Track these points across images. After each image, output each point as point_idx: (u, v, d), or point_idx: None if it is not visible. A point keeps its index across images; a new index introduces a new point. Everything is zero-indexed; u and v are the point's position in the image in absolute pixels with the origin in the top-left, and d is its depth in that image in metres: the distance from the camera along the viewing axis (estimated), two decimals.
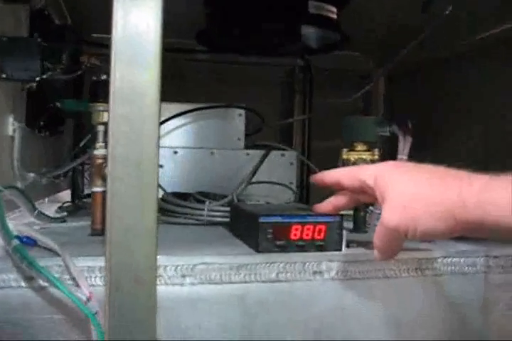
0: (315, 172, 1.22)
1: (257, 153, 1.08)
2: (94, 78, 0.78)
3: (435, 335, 0.73)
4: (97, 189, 0.78)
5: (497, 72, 1.09)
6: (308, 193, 1.33)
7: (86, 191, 1.15)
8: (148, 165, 0.56)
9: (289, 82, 1.43)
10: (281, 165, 1.11)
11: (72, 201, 1.18)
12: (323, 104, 1.37)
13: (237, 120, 1.11)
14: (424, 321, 0.73)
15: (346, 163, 0.93)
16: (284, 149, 1.13)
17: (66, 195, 1.27)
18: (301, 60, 1.35)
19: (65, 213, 0.92)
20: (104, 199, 0.79)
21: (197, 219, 0.90)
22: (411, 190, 0.55)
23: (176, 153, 1.06)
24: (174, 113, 1.07)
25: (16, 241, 0.59)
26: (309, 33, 1.01)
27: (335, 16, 0.96)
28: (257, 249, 0.68)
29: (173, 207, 0.91)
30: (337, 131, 1.34)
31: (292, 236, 0.69)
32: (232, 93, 1.35)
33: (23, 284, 0.62)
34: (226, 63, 1.36)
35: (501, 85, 1.08)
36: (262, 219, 0.68)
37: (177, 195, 0.97)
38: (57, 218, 0.88)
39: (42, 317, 0.62)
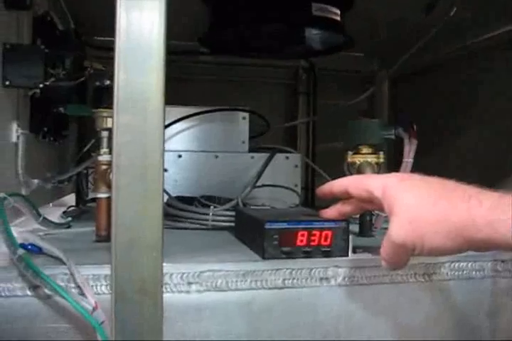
0: (320, 174, 1.22)
1: (261, 156, 1.08)
2: (98, 84, 0.78)
3: None
4: (102, 195, 0.78)
5: (502, 73, 1.08)
6: (313, 195, 1.33)
7: (90, 195, 1.15)
8: (153, 174, 0.56)
9: (292, 84, 1.43)
10: (285, 168, 1.10)
11: (77, 205, 1.18)
12: (327, 105, 1.36)
13: (241, 123, 1.10)
14: (431, 327, 0.72)
15: (351, 166, 0.93)
16: (288, 152, 1.12)
17: (70, 198, 1.27)
18: (305, 61, 1.35)
19: (70, 218, 0.92)
20: (108, 205, 0.79)
21: (202, 224, 0.89)
22: (418, 207, 0.55)
23: (180, 156, 1.06)
24: (178, 116, 1.06)
25: (21, 251, 0.59)
26: (313, 35, 1.01)
27: (339, 18, 0.95)
28: (263, 255, 0.68)
29: (178, 211, 0.91)
30: (341, 133, 1.33)
31: (298, 243, 0.69)
32: (235, 94, 1.35)
33: (28, 293, 0.61)
34: (229, 65, 1.35)
35: (506, 86, 1.08)
36: (267, 226, 0.68)
37: (181, 199, 0.96)
38: (62, 224, 0.88)
39: (48, 326, 0.62)
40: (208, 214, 0.89)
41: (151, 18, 0.53)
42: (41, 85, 0.69)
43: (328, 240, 0.69)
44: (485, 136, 1.13)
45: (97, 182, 0.78)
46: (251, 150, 1.11)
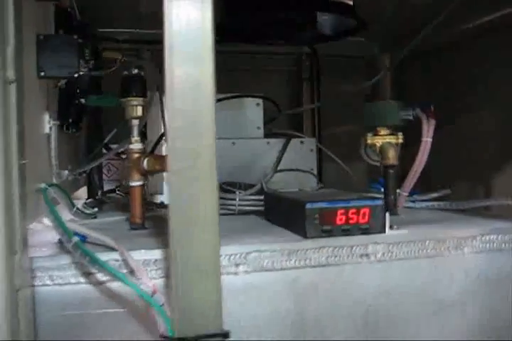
0: (327, 159, 1.24)
1: (276, 142, 1.09)
2: (126, 73, 0.78)
3: (476, 313, 0.75)
4: (135, 183, 0.78)
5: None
6: (320, 179, 1.34)
7: (107, 186, 1.15)
8: (207, 156, 0.57)
9: (295, 70, 1.44)
10: (301, 153, 1.11)
11: (90, 197, 1.17)
12: (331, 90, 1.38)
13: (255, 109, 1.11)
14: (465, 298, 0.75)
15: (370, 148, 0.95)
16: (301, 137, 1.14)
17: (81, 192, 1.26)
18: (308, 47, 1.36)
19: (96, 209, 0.92)
20: (142, 193, 0.79)
21: (229, 209, 0.91)
22: None
23: None
24: None
25: (75, 238, 0.60)
26: (325, 19, 1.02)
27: (351, 2, 0.96)
28: (305, 234, 0.69)
29: None
30: (346, 117, 1.35)
31: (338, 221, 0.70)
32: (238, 82, 1.35)
33: (81, 280, 0.62)
34: (231, 53, 1.35)
35: None
36: (308, 206, 0.69)
37: None
38: (90, 214, 0.88)
39: (101, 312, 0.63)
40: (234, 200, 0.90)
41: (199, 7, 0.54)
42: (76, 75, 0.69)
43: (366, 218, 0.71)
44: (496, 113, 1.13)
45: (130, 170, 0.79)
46: (266, 136, 1.12)
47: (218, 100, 1.08)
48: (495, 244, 0.76)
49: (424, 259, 0.73)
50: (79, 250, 0.59)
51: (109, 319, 0.63)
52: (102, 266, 0.58)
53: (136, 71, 0.78)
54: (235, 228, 0.80)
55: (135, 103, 0.78)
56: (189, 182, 0.56)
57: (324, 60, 1.39)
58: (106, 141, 0.98)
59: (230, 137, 1.07)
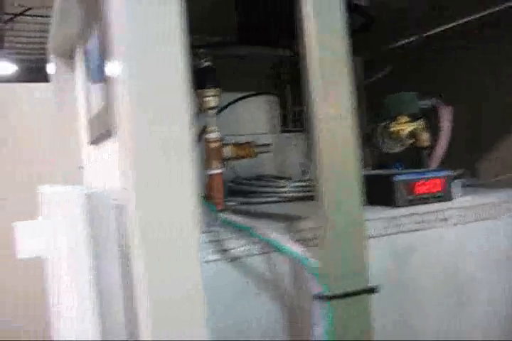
0: None
1: (291, 136, 1.16)
2: (203, 64, 0.81)
3: None
4: (215, 171, 0.81)
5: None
6: None
7: None
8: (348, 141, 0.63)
9: (277, 73, 1.50)
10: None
11: None
12: None
13: (273, 106, 1.16)
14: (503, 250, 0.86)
15: (393, 135, 1.03)
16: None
17: None
18: (289, 50, 1.42)
19: None
20: (222, 179, 0.82)
21: (280, 196, 0.95)
22: None
23: None
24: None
25: (222, 215, 0.62)
26: None
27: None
28: (395, 204, 0.77)
29: (252, 187, 0.96)
30: None
31: (419, 191, 0.79)
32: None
33: (217, 257, 0.65)
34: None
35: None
36: (396, 179, 0.77)
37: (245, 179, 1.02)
38: None
39: (232, 289, 0.66)
40: (285, 187, 0.95)
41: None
42: None
43: (441, 187, 0.80)
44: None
45: (209, 159, 0.81)
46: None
47: (237, 99, 1.12)
48: None
49: (483, 221, 0.83)
50: (229, 225, 0.61)
51: (248, 292, 0.66)
52: (258, 237, 0.61)
53: (208, 63, 0.82)
54: (307, 209, 0.85)
55: (211, 94, 0.81)
56: (334, 150, 0.62)
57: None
58: None
59: (255, 133, 1.11)
